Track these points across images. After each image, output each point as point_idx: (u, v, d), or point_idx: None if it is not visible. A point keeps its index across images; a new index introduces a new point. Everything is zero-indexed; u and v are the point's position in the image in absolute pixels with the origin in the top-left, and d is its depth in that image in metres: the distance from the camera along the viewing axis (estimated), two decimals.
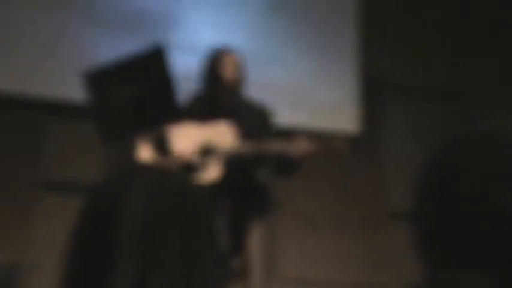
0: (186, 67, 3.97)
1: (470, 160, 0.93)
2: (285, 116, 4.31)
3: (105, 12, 4.68)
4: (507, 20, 5.43)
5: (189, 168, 3.40)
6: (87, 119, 3.44)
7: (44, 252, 4.14)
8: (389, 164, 5.12)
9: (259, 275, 3.58)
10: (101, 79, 3.20)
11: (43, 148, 4.51)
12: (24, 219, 4.34)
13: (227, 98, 3.58)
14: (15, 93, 4.48)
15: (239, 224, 3.53)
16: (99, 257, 1.01)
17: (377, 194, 5.05)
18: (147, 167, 1.15)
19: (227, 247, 3.45)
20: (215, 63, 3.56)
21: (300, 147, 3.45)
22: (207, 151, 3.46)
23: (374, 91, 5.17)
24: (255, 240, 3.57)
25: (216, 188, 3.40)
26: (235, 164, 3.45)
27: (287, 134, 3.68)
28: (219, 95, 3.57)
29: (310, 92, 4.95)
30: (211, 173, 3.44)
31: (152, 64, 3.20)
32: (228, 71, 3.54)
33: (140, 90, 3.19)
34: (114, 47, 4.41)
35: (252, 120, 3.60)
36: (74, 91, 3.68)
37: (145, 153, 3.37)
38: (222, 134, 3.50)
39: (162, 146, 3.40)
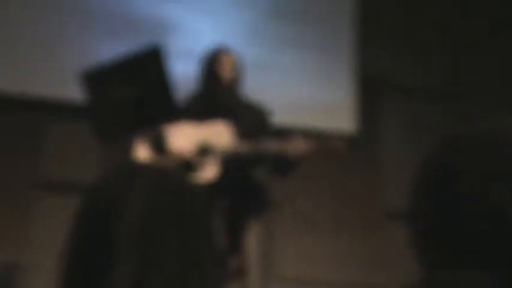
0: (185, 72, 3.98)
1: (470, 160, 0.93)
2: (283, 115, 4.31)
3: (105, 14, 4.68)
4: (507, 20, 5.42)
5: (186, 167, 3.40)
6: (86, 119, 3.45)
7: (44, 252, 4.14)
8: (387, 164, 5.11)
9: (257, 274, 3.57)
10: (98, 79, 3.20)
11: (43, 148, 4.51)
12: (24, 219, 4.34)
13: (225, 98, 3.58)
14: (15, 93, 4.48)
15: (236, 224, 3.53)
16: (98, 257, 1.02)
17: (375, 194, 5.04)
18: (145, 167, 1.15)
19: (224, 246, 3.45)
20: (213, 62, 3.57)
21: (297, 147, 3.45)
22: (204, 150, 3.46)
23: (373, 91, 5.17)
24: (253, 240, 3.56)
25: (213, 187, 3.40)
26: (232, 164, 3.45)
27: (285, 133, 3.68)
28: (217, 94, 3.57)
29: (308, 92, 4.94)
30: (209, 172, 3.44)
31: (149, 64, 3.19)
32: (225, 71, 3.54)
33: (137, 89, 3.19)
34: (114, 48, 4.41)
35: (250, 119, 3.59)
36: (74, 91, 3.67)
37: (142, 152, 3.37)
38: (220, 134, 3.50)
39: (159, 145, 3.41)
